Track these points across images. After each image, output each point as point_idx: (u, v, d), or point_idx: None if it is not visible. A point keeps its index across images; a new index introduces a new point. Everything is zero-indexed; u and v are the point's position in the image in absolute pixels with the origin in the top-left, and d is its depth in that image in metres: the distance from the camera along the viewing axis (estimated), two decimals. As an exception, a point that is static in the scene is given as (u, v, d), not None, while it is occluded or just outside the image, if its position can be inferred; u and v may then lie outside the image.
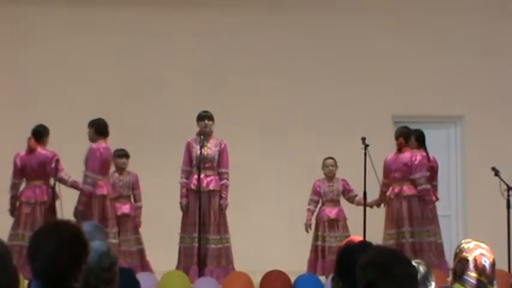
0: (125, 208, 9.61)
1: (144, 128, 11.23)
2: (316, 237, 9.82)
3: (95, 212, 9.01)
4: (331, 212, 9.85)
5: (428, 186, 9.49)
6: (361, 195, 9.62)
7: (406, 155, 9.47)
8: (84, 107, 11.07)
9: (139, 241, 9.60)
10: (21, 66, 11.43)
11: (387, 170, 9.57)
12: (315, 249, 9.79)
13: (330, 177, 9.90)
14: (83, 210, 8.99)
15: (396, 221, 9.42)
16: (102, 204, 9.06)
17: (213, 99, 10.84)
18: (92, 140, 9.21)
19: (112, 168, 9.57)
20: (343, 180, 9.92)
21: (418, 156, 9.47)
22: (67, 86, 11.38)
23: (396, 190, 9.45)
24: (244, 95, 11.49)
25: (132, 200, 9.76)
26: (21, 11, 11.44)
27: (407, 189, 9.42)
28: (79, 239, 2.88)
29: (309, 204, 9.89)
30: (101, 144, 9.18)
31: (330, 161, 9.90)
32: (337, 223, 9.83)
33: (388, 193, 9.52)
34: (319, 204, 9.90)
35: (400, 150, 9.50)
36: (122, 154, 9.71)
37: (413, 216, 9.41)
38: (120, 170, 9.70)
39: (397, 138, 9.55)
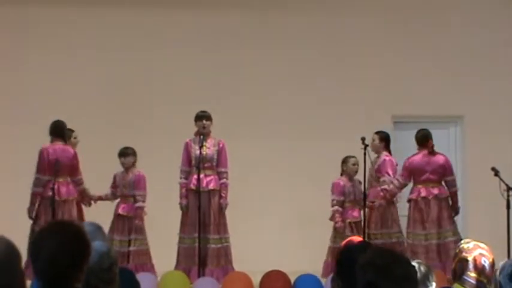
0: (121, 208, 9.55)
1: (144, 128, 11.22)
2: (338, 239, 9.53)
3: (43, 213, 9.02)
4: (354, 212, 9.73)
5: (456, 188, 9.70)
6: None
7: (441, 157, 9.62)
8: (84, 108, 11.09)
9: (128, 244, 9.43)
10: (22, 65, 11.42)
11: (418, 172, 9.55)
12: (333, 251, 9.47)
13: (351, 176, 9.77)
14: (32, 210, 9.09)
15: (439, 222, 9.50)
16: (52, 206, 8.97)
17: (213, 100, 10.85)
18: (51, 142, 9.22)
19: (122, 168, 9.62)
20: (359, 180, 9.72)
21: (448, 158, 9.64)
22: (67, 86, 11.37)
23: (435, 191, 9.52)
24: (245, 96, 11.48)
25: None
26: (20, 11, 11.44)
27: (444, 192, 9.58)
28: (81, 239, 2.88)
29: (333, 206, 9.64)
30: (54, 145, 9.17)
31: (354, 159, 9.70)
32: (356, 225, 9.69)
33: (423, 194, 9.52)
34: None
35: (432, 152, 9.55)
36: (120, 153, 9.63)
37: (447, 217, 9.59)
38: (125, 169, 9.66)
39: (425, 140, 9.58)
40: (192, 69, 11.51)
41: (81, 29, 11.47)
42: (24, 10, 11.42)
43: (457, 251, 4.37)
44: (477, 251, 4.28)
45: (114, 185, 9.64)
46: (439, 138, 11.74)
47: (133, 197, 9.55)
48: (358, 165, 9.62)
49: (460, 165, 11.77)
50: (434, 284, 4.17)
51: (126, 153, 9.58)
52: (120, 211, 9.50)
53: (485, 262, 4.21)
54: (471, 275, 4.23)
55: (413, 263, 3.46)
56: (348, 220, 9.62)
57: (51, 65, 11.35)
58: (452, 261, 4.46)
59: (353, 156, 9.68)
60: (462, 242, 4.46)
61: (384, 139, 9.81)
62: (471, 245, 4.33)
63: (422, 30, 11.79)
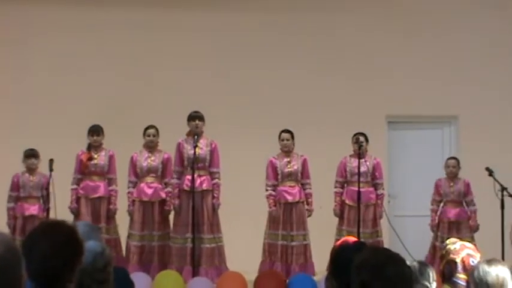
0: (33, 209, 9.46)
1: (139, 130, 11.17)
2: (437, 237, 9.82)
3: None
4: (451, 212, 9.87)
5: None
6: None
7: None
8: (85, 109, 11.06)
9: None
10: (23, 66, 11.39)
11: None
12: (433, 247, 9.83)
13: (451, 177, 9.92)
14: None
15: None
16: None
17: (209, 99, 10.85)
18: None
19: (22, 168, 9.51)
20: (465, 180, 9.95)
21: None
22: (68, 88, 11.34)
23: None
24: (238, 95, 11.47)
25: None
26: (20, 11, 11.41)
27: None
28: (73, 239, 2.87)
29: (432, 204, 9.93)
30: None
31: (452, 161, 9.98)
32: (457, 225, 9.82)
33: None
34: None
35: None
36: (30, 154, 9.48)
37: None
38: (30, 170, 9.50)
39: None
40: (193, 68, 11.47)
41: (81, 29, 11.45)
42: (23, 10, 11.40)
43: (444, 252, 4.35)
44: (464, 251, 4.28)
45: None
46: (433, 138, 11.78)
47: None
48: (455, 167, 9.90)
49: (454, 165, 11.77)
50: (434, 284, 4.13)
51: (35, 155, 9.46)
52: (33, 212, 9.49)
53: (474, 262, 4.20)
54: (461, 277, 4.23)
55: (408, 263, 3.46)
56: (444, 221, 9.81)
57: (53, 65, 11.33)
58: (439, 263, 4.45)
59: (453, 158, 10.07)
60: (448, 242, 4.44)
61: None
62: (458, 245, 4.32)
63: (416, 30, 11.78)
